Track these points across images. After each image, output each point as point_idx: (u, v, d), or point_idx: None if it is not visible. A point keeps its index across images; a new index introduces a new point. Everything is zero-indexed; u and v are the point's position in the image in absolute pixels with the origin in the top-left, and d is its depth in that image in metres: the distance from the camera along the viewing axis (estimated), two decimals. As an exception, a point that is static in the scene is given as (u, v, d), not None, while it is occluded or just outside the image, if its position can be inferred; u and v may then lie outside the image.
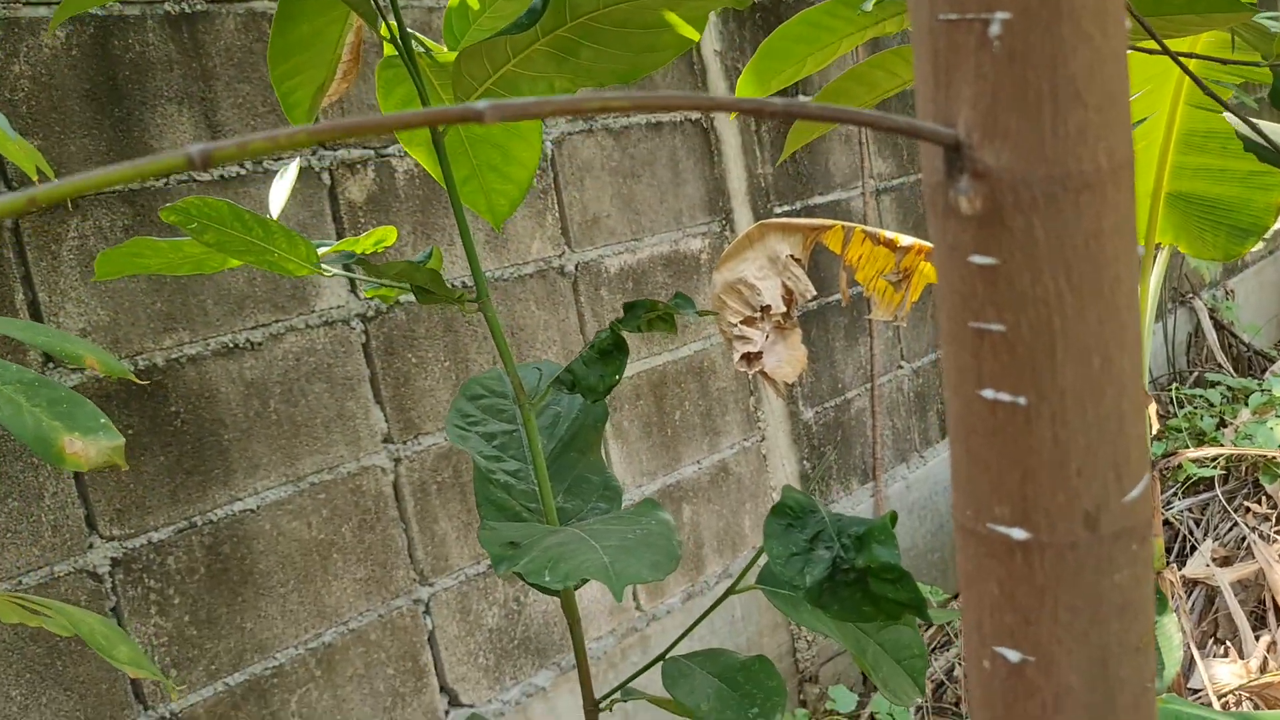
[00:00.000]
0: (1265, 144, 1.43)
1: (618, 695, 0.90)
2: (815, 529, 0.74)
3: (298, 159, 1.24)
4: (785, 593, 0.88)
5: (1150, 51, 0.80)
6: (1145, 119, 1.66)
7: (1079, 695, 0.44)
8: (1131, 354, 0.41)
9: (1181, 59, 0.90)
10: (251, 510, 1.83)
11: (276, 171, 1.88)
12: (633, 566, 0.68)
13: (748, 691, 0.84)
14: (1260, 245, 2.04)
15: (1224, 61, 0.94)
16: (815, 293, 2.04)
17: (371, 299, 2.01)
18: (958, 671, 2.63)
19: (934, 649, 2.80)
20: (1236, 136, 1.48)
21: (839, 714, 2.58)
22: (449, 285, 0.91)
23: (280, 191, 1.16)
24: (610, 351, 0.84)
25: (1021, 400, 0.40)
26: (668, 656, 0.89)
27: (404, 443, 2.04)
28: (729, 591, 0.91)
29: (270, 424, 1.85)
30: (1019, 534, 0.43)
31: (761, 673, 0.86)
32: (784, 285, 2.10)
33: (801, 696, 2.78)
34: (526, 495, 0.92)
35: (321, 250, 1.14)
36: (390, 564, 2.02)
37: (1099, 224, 0.40)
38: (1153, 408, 2.01)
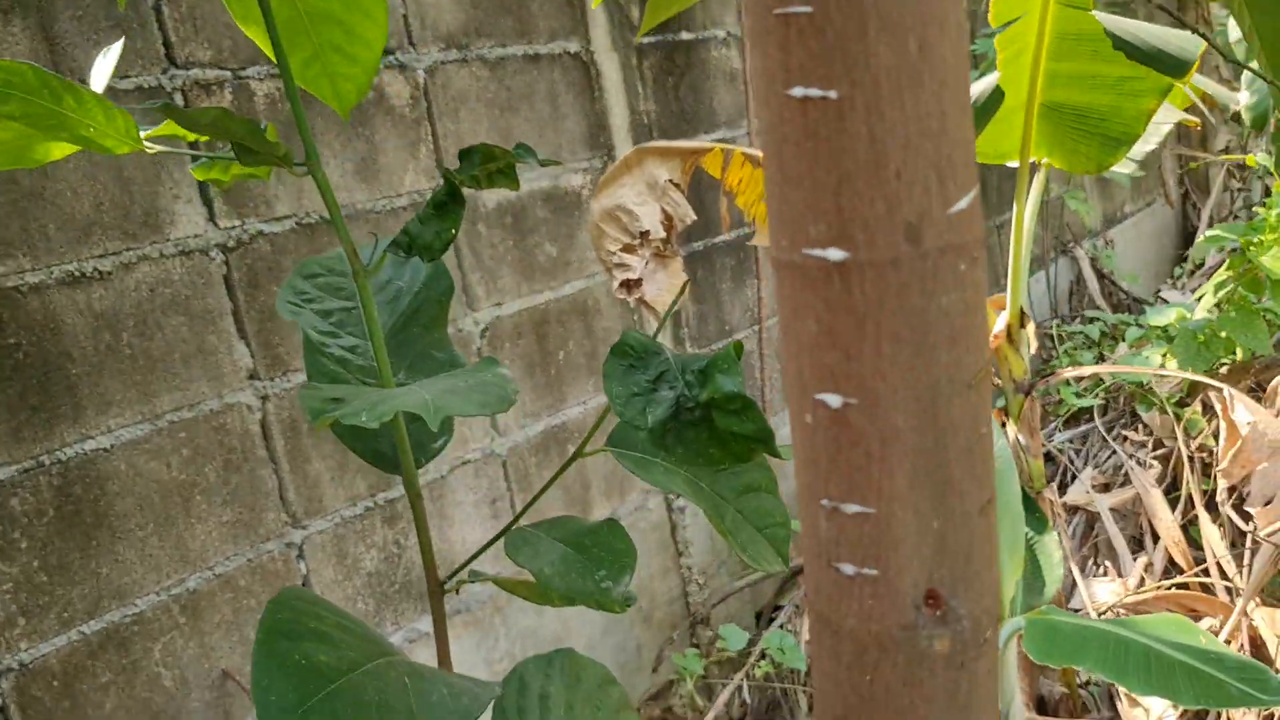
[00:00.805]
0: (1132, 41, 1.42)
1: (463, 575, 0.85)
2: (659, 370, 0.69)
3: (123, 40, 1.15)
4: (636, 455, 0.83)
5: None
6: (1015, 19, 1.64)
7: (907, 439, 0.40)
8: (953, 41, 0.37)
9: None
10: (105, 449, 1.73)
11: (138, 93, 1.77)
12: (455, 403, 0.62)
13: (595, 555, 0.79)
14: (1136, 168, 2.06)
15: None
16: (695, 217, 1.99)
17: (231, 228, 1.91)
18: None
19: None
20: (1106, 35, 1.47)
21: (730, 652, 2.57)
22: (273, 142, 0.83)
23: (103, 70, 1.07)
24: (446, 204, 0.78)
25: (833, 94, 0.35)
26: (514, 528, 0.84)
27: (271, 379, 1.94)
28: (576, 454, 0.86)
29: (123, 359, 1.75)
30: (836, 254, 0.38)
31: (610, 536, 0.81)
32: (663, 211, 2.05)
33: (694, 639, 2.76)
34: (364, 370, 0.85)
35: (146, 133, 1.05)
36: (259, 506, 1.93)
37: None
38: (1031, 328, 2.02)
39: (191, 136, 1.04)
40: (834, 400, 0.39)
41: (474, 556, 0.86)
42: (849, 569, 0.39)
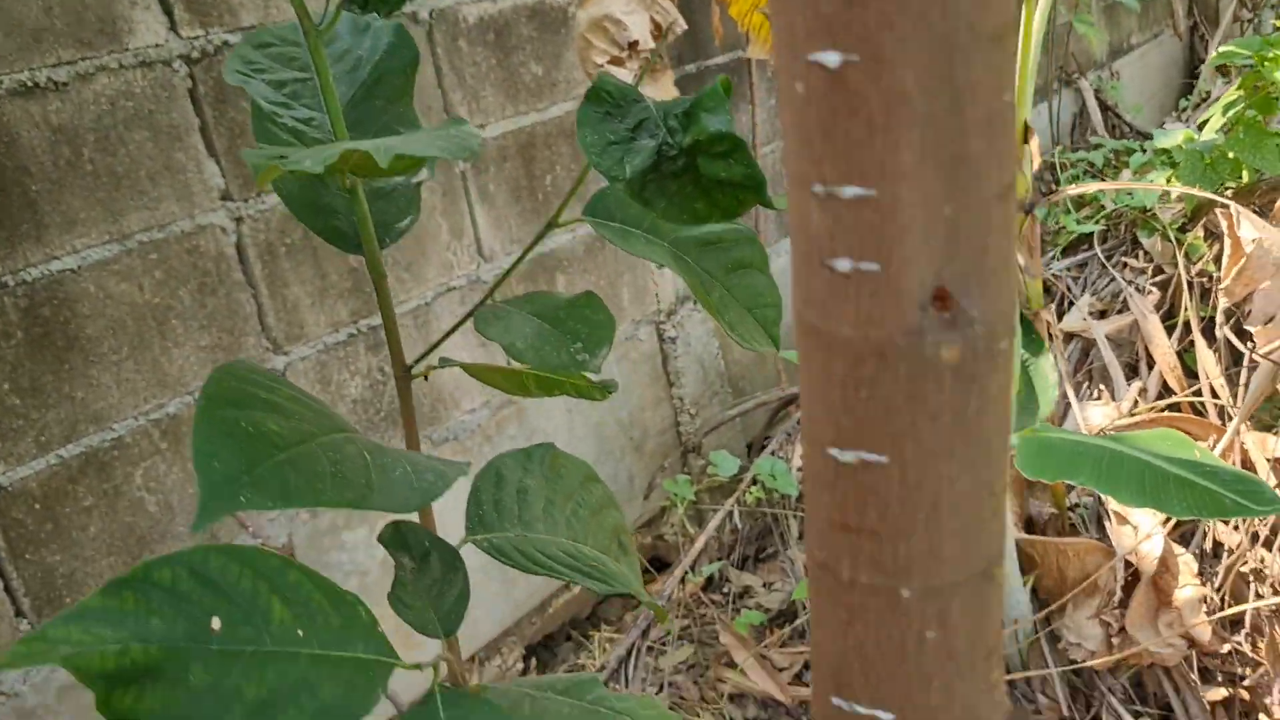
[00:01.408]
0: None
1: (432, 360, 0.80)
2: (639, 117, 0.63)
3: None
4: (614, 225, 0.77)
5: None
6: None
7: (917, 104, 0.33)
8: None
9: None
10: (72, 270, 1.66)
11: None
12: (411, 147, 0.56)
13: (570, 328, 0.74)
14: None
15: None
16: (685, 25, 1.88)
17: (195, 39, 1.80)
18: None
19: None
20: None
21: (721, 479, 2.56)
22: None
23: None
24: (403, -55, 0.70)
25: None
26: (484, 304, 0.79)
27: (245, 200, 1.87)
28: (549, 225, 0.80)
29: (85, 175, 1.67)
30: None
31: (587, 308, 0.76)
32: (652, 19, 1.95)
33: (685, 468, 2.76)
34: (319, 145, 0.78)
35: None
36: (239, 330, 1.88)
37: None
38: (1035, 143, 1.94)
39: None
40: (831, 59, 0.33)
41: (442, 339, 0.81)
42: (844, 265, 0.34)
